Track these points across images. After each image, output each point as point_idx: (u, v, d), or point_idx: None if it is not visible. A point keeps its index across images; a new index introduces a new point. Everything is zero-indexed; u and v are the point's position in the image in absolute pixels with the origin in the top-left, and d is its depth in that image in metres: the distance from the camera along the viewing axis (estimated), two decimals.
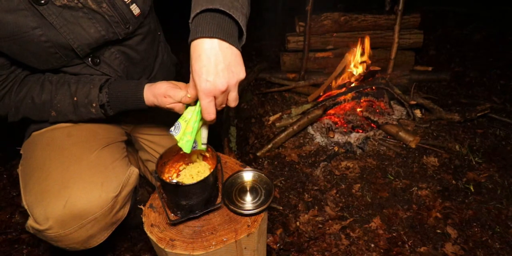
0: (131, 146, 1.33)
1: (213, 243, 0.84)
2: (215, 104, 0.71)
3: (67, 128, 1.00)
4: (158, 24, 1.14)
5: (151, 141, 1.23)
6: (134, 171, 1.00)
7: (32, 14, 0.77)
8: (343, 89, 2.12)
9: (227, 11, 0.66)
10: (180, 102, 0.83)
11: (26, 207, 0.89)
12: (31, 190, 0.89)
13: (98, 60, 0.93)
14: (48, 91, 0.91)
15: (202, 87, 0.66)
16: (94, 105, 0.90)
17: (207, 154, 0.97)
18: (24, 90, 0.92)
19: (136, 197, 1.43)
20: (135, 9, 0.89)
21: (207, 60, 0.64)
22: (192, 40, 0.66)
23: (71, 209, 0.84)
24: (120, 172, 0.96)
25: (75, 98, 0.90)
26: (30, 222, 0.87)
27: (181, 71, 1.07)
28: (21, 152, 1.03)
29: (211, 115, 0.71)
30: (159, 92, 0.85)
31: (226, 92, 0.69)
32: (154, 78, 1.15)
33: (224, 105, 0.74)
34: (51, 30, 0.80)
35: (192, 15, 0.68)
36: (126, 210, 1.00)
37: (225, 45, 0.66)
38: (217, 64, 0.65)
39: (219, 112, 0.74)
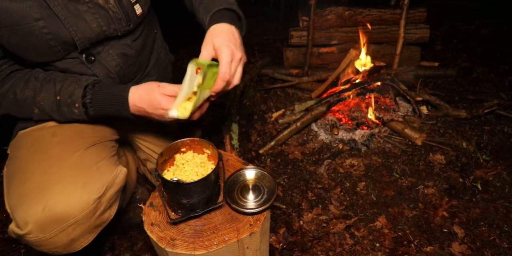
0: (130, 145, 1.30)
1: (215, 243, 0.82)
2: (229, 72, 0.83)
3: (53, 127, 0.97)
4: (156, 23, 1.15)
5: (147, 141, 1.21)
6: (121, 171, 0.96)
7: (37, 5, 0.77)
8: (348, 85, 2.09)
9: (238, 12, 0.94)
10: (172, 95, 0.84)
11: (9, 211, 0.86)
12: (13, 193, 0.87)
13: (93, 58, 0.92)
14: (32, 88, 0.89)
15: (226, 49, 0.82)
16: (76, 105, 0.88)
17: (208, 152, 0.94)
18: (7, 85, 0.89)
19: (135, 195, 1.42)
20: (138, 8, 0.93)
21: (230, 35, 0.85)
22: (216, 23, 0.88)
23: (51, 213, 0.81)
24: (105, 172, 0.92)
25: (58, 97, 0.88)
26: (12, 226, 0.85)
27: (181, 66, 1.07)
28: (8, 151, 0.99)
29: (226, 75, 0.82)
30: (149, 86, 0.85)
31: (239, 62, 0.86)
32: (147, 75, 1.13)
33: (232, 82, 0.86)
34: (55, 21, 0.80)
35: (214, 10, 0.92)
36: (113, 211, 0.96)
37: (237, 31, 0.89)
38: (236, 39, 0.86)
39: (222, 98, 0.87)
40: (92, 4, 0.83)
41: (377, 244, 1.40)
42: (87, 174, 0.89)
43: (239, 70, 0.86)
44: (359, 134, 1.95)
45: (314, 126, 2.05)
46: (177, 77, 1.04)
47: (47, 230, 0.82)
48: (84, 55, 0.90)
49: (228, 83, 0.84)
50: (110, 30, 0.89)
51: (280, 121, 2.10)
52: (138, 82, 1.09)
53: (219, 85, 0.83)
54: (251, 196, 0.91)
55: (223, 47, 0.81)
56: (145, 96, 0.85)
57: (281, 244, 1.39)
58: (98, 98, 0.88)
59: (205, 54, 0.84)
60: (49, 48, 0.83)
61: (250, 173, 0.96)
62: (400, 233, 1.44)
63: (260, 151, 1.89)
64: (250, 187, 0.93)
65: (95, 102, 0.88)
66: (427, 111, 2.09)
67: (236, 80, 0.87)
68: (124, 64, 0.98)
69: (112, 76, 0.97)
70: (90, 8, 0.83)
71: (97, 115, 0.91)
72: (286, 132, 1.92)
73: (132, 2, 0.91)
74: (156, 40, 1.14)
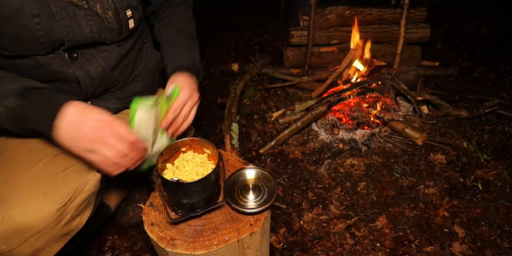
0: None
1: (215, 243, 0.82)
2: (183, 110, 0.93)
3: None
4: (146, 33, 1.17)
5: None
6: (93, 177, 0.92)
7: (37, 2, 0.78)
8: (348, 85, 2.08)
9: (199, 67, 1.11)
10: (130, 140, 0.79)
11: None
12: None
13: (75, 55, 0.91)
14: None
15: (187, 89, 0.95)
16: (4, 104, 0.76)
17: (209, 151, 0.94)
18: None
19: (135, 195, 1.42)
20: (131, 23, 0.96)
21: (192, 81, 1.01)
22: (180, 71, 1.03)
23: (10, 224, 0.80)
24: (72, 180, 0.89)
25: None
26: None
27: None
28: None
29: (178, 109, 0.92)
30: (100, 111, 0.79)
31: (195, 103, 0.98)
32: (133, 81, 1.12)
33: (186, 120, 0.97)
34: (50, 20, 0.81)
35: (181, 62, 1.07)
36: (83, 218, 0.93)
37: (196, 81, 1.05)
38: (195, 86, 1.01)
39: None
40: (91, 11, 0.86)
41: (378, 244, 1.40)
42: (50, 183, 0.86)
43: (194, 110, 0.98)
44: (359, 134, 1.95)
45: (314, 126, 2.04)
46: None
47: (8, 241, 0.81)
48: (67, 53, 0.90)
49: (180, 118, 0.93)
50: (101, 38, 0.91)
51: (281, 120, 2.09)
52: (123, 87, 1.08)
53: (169, 116, 0.91)
54: (251, 196, 0.90)
55: (184, 87, 0.95)
56: (95, 110, 0.78)
57: (281, 244, 1.39)
58: (29, 104, 0.77)
59: (169, 91, 0.94)
60: (38, 44, 0.83)
61: (250, 173, 0.96)
62: (400, 233, 1.44)
63: (261, 151, 1.89)
64: (250, 187, 0.92)
65: (25, 108, 0.77)
66: (427, 110, 2.09)
67: (190, 119, 0.97)
68: (106, 67, 0.98)
69: (92, 76, 0.95)
70: (88, 14, 0.86)
71: (20, 124, 0.79)
72: (286, 131, 1.92)
73: (128, 16, 0.94)
74: (144, 49, 1.14)
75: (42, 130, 0.78)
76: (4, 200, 0.82)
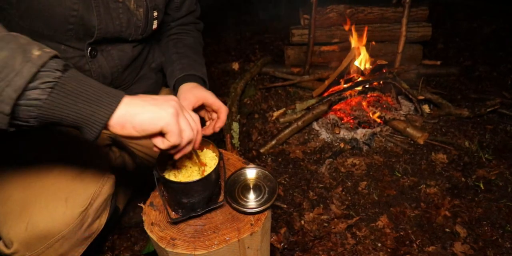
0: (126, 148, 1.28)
1: (215, 243, 0.81)
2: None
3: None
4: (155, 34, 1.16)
5: (140, 145, 1.18)
6: (108, 178, 0.93)
7: None
8: (349, 84, 2.08)
9: (206, 80, 1.07)
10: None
11: None
12: None
13: (95, 53, 0.92)
14: None
15: (224, 106, 0.98)
16: (46, 50, 0.53)
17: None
18: None
19: (134, 196, 1.41)
20: (155, 24, 0.98)
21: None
22: (189, 82, 1.02)
23: (34, 231, 0.80)
24: (90, 183, 0.89)
25: (21, 39, 0.53)
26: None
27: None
28: None
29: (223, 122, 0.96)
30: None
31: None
32: (138, 81, 1.12)
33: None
34: (86, 5, 0.81)
35: (190, 72, 1.04)
36: (102, 220, 0.94)
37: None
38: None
39: None
40: (124, 5, 0.87)
41: (379, 244, 1.39)
42: (70, 187, 0.86)
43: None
44: (360, 133, 1.94)
45: (315, 125, 2.04)
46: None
47: (33, 247, 0.81)
48: (90, 48, 0.89)
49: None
50: (125, 33, 0.91)
51: (281, 120, 2.09)
52: (128, 87, 1.08)
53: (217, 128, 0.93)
54: (252, 196, 0.90)
55: (221, 104, 0.98)
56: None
57: (282, 244, 1.38)
58: (71, 77, 0.57)
59: (186, 103, 0.92)
60: (65, 24, 0.82)
61: (251, 173, 0.95)
62: (402, 233, 1.43)
63: (261, 150, 1.89)
64: (251, 186, 0.92)
65: (65, 83, 0.55)
66: (429, 110, 2.08)
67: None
68: (121, 66, 0.98)
69: (106, 75, 0.95)
70: (120, 7, 0.86)
71: (46, 111, 0.53)
72: (287, 131, 1.91)
73: (154, 17, 0.96)
74: (151, 51, 1.15)
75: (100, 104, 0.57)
76: (26, 207, 0.82)
